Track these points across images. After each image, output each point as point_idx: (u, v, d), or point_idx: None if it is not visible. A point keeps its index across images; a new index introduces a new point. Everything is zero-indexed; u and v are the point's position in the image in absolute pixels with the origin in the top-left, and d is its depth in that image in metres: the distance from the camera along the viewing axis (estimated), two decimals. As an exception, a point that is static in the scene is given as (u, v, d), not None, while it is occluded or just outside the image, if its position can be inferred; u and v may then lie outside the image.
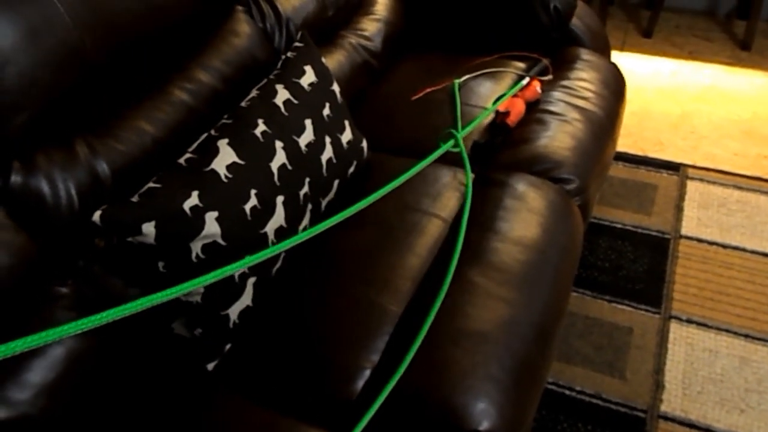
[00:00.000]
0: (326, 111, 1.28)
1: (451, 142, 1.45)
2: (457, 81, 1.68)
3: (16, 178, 0.96)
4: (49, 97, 1.02)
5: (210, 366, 1.08)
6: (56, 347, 0.96)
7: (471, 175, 1.40)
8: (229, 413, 1.02)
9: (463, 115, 1.58)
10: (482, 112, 1.57)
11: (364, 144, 1.41)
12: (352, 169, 1.36)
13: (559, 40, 1.85)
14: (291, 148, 1.17)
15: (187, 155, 1.06)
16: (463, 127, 1.52)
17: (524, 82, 1.65)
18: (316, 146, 1.23)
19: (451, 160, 1.46)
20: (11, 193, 0.96)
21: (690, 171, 2.13)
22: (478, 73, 1.72)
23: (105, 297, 1.04)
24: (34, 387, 0.92)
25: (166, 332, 1.11)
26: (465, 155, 1.44)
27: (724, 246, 1.85)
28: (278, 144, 1.14)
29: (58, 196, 1.00)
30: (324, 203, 1.28)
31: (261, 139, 1.12)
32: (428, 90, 1.67)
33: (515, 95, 1.61)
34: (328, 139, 1.26)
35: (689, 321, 1.63)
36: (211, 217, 1.01)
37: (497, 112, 1.57)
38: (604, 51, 1.94)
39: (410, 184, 1.37)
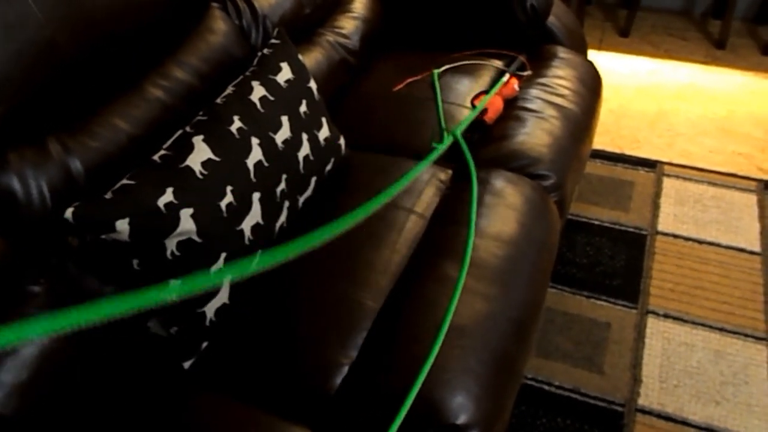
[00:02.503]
0: (303, 108, 1.27)
1: (449, 140, 1.45)
2: (436, 71, 1.69)
3: (-14, 176, 0.95)
4: (21, 94, 1.01)
5: (186, 364, 1.07)
6: (29, 347, 0.94)
7: (474, 170, 1.39)
8: (206, 411, 1.01)
9: (444, 112, 1.58)
10: (472, 111, 1.57)
11: (342, 141, 1.41)
12: (329, 167, 1.36)
13: (536, 37, 1.86)
14: (267, 145, 1.16)
15: (162, 152, 1.06)
16: (453, 126, 1.52)
17: (505, 78, 1.66)
18: (293, 143, 1.22)
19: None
20: (-18, 190, 0.94)
21: (666, 168, 2.15)
22: (457, 64, 1.73)
23: (79, 295, 1.03)
24: (6, 387, 0.90)
25: (142, 331, 1.10)
26: (466, 150, 1.43)
27: (700, 241, 1.87)
28: (254, 140, 1.14)
29: (30, 194, 0.99)
30: (301, 200, 1.28)
31: (237, 136, 1.12)
32: (410, 80, 1.68)
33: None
34: (305, 136, 1.26)
35: (666, 316, 1.65)
36: (186, 213, 1.00)
37: (475, 109, 1.57)
38: (581, 49, 1.95)
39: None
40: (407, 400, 0.94)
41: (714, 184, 2.08)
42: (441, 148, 1.42)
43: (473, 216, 1.25)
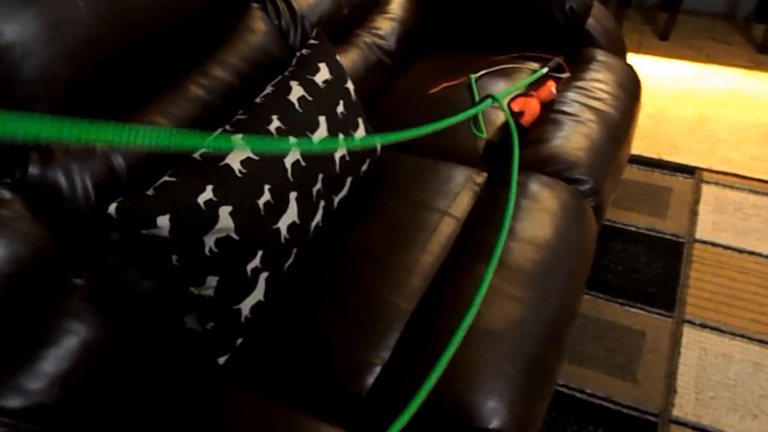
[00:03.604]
0: (340, 108, 1.28)
1: (490, 101, 1.45)
2: (473, 76, 1.68)
3: (33, 170, 0.97)
4: (67, 90, 1.03)
5: (221, 360, 1.08)
6: (70, 338, 0.97)
7: (516, 141, 1.40)
8: (239, 407, 1.02)
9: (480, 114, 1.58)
10: (512, 87, 1.58)
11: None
12: (365, 167, 1.36)
13: (574, 40, 1.84)
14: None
15: (202, 150, 1.07)
16: (500, 96, 1.53)
17: (543, 71, 1.65)
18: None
19: (465, 159, 1.46)
20: (29, 184, 0.97)
21: (705, 174, 2.11)
22: (494, 69, 1.72)
23: (119, 289, 1.05)
24: (48, 377, 0.92)
25: (179, 326, 1.11)
26: (509, 115, 1.43)
27: (739, 250, 1.83)
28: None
29: (75, 189, 1.01)
30: (337, 200, 1.28)
31: (275, 135, 1.13)
32: (445, 84, 1.67)
33: (530, 95, 1.60)
34: (341, 136, 1.27)
35: (703, 325, 1.62)
36: (224, 211, 1.01)
37: (511, 112, 1.56)
38: (619, 52, 1.92)
39: (423, 183, 1.37)
40: (417, 397, 0.93)
41: (755, 192, 2.03)
42: (484, 105, 1.43)
43: (513, 189, 1.25)
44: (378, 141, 1.09)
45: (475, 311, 1.05)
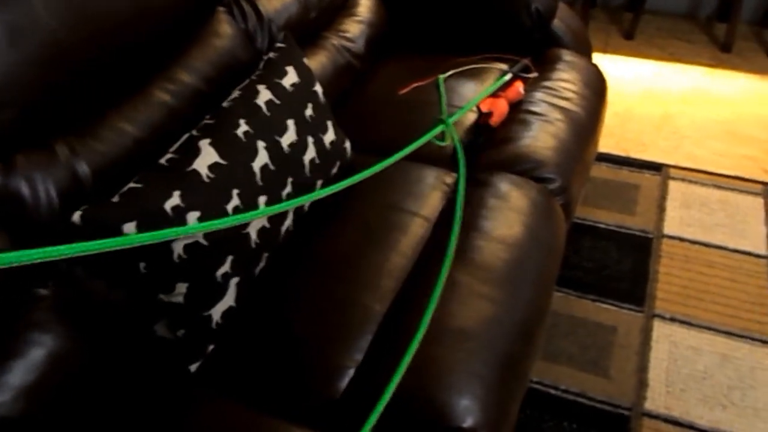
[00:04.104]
0: (309, 111, 1.28)
1: (441, 126, 1.46)
2: (441, 77, 1.69)
3: (-6, 179, 0.95)
4: (29, 97, 1.01)
5: (193, 367, 1.07)
6: (37, 349, 0.95)
7: (463, 164, 1.40)
8: (212, 414, 1.01)
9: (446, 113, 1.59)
10: (468, 101, 1.58)
11: (348, 144, 1.42)
12: (335, 170, 1.36)
13: (540, 41, 1.86)
14: (273, 149, 1.16)
15: (169, 155, 1.06)
16: (450, 116, 1.53)
17: (507, 77, 1.66)
18: (299, 146, 1.23)
19: (434, 160, 1.47)
20: (-10, 194, 0.95)
21: (672, 171, 2.15)
22: (463, 69, 1.73)
23: (86, 298, 1.03)
24: (14, 389, 0.91)
25: (149, 334, 1.10)
26: (457, 139, 1.44)
27: (706, 245, 1.87)
28: (260, 144, 1.14)
29: (38, 197, 0.99)
30: (307, 204, 1.28)
31: (243, 139, 1.12)
32: (415, 84, 1.68)
33: (498, 96, 1.62)
34: (310, 140, 1.26)
35: (672, 319, 1.65)
36: (192, 217, 1.00)
37: (480, 113, 1.57)
38: (585, 52, 1.95)
39: (393, 184, 1.37)
40: (383, 398, 0.94)
41: (720, 187, 2.08)
42: (436, 130, 1.44)
43: (459, 202, 1.26)
44: (306, 200, 1.10)
45: (433, 308, 1.06)
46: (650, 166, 2.17)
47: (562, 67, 1.77)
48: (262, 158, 1.14)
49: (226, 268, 1.06)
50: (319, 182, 1.30)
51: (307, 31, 1.66)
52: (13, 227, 0.97)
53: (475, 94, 1.66)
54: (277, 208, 1.03)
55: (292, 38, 1.35)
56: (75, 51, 1.07)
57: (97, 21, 1.11)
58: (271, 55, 1.29)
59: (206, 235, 1.02)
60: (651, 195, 2.05)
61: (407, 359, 0.99)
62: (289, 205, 1.05)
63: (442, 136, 1.49)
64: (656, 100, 2.55)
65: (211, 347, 1.09)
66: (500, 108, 1.58)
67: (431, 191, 1.38)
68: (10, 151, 0.99)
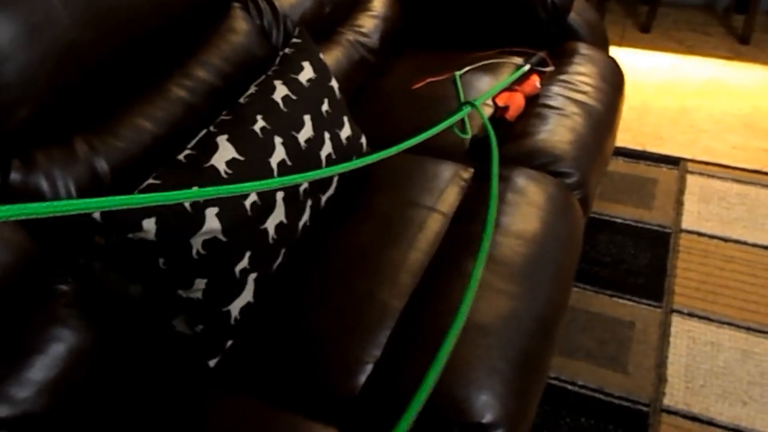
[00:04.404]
0: (325, 107, 1.28)
1: (467, 109, 1.44)
2: (458, 73, 1.68)
3: (15, 176, 0.96)
4: (48, 94, 1.02)
5: (212, 363, 1.08)
6: (57, 345, 0.95)
7: (495, 141, 1.38)
8: (231, 410, 1.01)
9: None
10: (493, 108, 1.57)
11: (363, 140, 1.41)
12: (351, 165, 1.36)
13: (557, 34, 1.84)
14: (290, 144, 1.16)
15: (187, 152, 1.06)
16: (477, 99, 1.52)
17: (525, 68, 1.65)
18: (315, 142, 1.23)
19: (451, 155, 1.46)
20: (11, 190, 0.95)
21: (690, 165, 2.13)
22: (478, 65, 1.72)
23: (106, 294, 1.04)
24: (36, 384, 0.91)
25: (168, 330, 1.10)
26: (486, 120, 1.42)
27: (725, 239, 1.85)
28: (277, 140, 1.14)
29: (58, 194, 1.00)
30: (324, 199, 1.28)
31: (260, 135, 1.12)
32: (429, 80, 1.67)
33: (514, 90, 1.61)
34: (327, 135, 1.26)
35: (691, 314, 1.63)
36: (211, 212, 1.00)
37: (496, 107, 1.56)
38: (602, 45, 1.93)
39: (410, 179, 1.36)
40: (419, 395, 0.93)
41: (739, 181, 2.05)
42: (463, 113, 1.41)
43: (494, 197, 1.23)
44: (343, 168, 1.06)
45: (467, 309, 1.05)
46: (668, 160, 2.15)
47: (578, 61, 1.76)
48: (279, 154, 1.14)
49: (244, 263, 1.06)
50: (336, 178, 1.30)
51: (323, 26, 1.66)
52: (34, 224, 0.97)
53: (491, 88, 1.65)
54: (320, 173, 1.00)
55: (307, 34, 1.35)
56: (92, 48, 1.08)
57: (113, 17, 1.11)
58: (287, 50, 1.29)
59: (224, 231, 1.02)
60: (669, 189, 2.03)
61: (442, 359, 0.97)
62: (333, 171, 1.03)
63: (462, 127, 1.47)
64: (673, 93, 2.52)
65: (229, 343, 1.09)
66: (516, 102, 1.57)
67: (448, 186, 1.37)
68: (29, 148, 1.00)
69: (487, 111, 1.59)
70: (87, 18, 1.06)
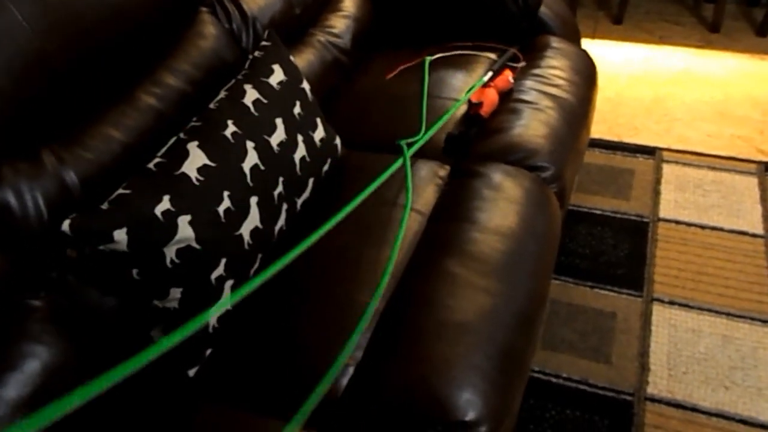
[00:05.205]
0: (297, 109, 1.27)
1: (400, 161, 1.39)
2: (428, 58, 1.68)
3: (-20, 191, 0.94)
4: (13, 106, 1.00)
5: (191, 372, 1.06)
6: (31, 361, 0.94)
7: (411, 197, 1.33)
8: (212, 419, 1.00)
9: (435, 108, 1.58)
10: (452, 105, 1.56)
11: (338, 141, 1.40)
12: (326, 167, 1.35)
13: (528, 29, 1.85)
14: (263, 148, 1.15)
15: (157, 160, 1.05)
16: (427, 129, 1.49)
17: (486, 78, 1.64)
18: (289, 145, 1.22)
19: (428, 154, 1.46)
20: (-24, 206, 0.93)
21: (665, 154, 2.14)
22: (451, 54, 1.72)
23: (80, 307, 1.02)
24: (9, 402, 0.89)
25: (145, 341, 1.09)
26: (409, 172, 1.37)
27: (702, 227, 1.86)
28: (249, 144, 1.13)
29: (26, 208, 0.98)
30: (299, 202, 1.27)
31: (231, 140, 1.11)
32: (402, 67, 1.67)
33: (487, 85, 1.61)
34: (300, 138, 1.25)
35: (671, 302, 1.64)
36: (183, 220, 0.99)
37: (470, 104, 1.56)
38: (574, 38, 1.94)
39: (387, 179, 1.36)
40: (325, 379, 0.92)
41: (714, 168, 2.07)
42: (394, 167, 1.36)
43: (398, 241, 1.23)
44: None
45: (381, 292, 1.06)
46: (643, 150, 2.17)
47: (551, 54, 1.76)
48: (251, 158, 1.12)
49: (220, 271, 1.05)
50: (311, 180, 1.29)
51: (293, 28, 1.65)
52: (3, 239, 0.96)
53: (463, 86, 1.65)
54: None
55: (276, 36, 1.33)
56: (56, 57, 1.06)
57: (76, 24, 1.10)
58: (256, 53, 1.28)
59: (198, 239, 1.01)
60: (645, 179, 2.05)
61: (353, 340, 0.95)
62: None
63: (404, 160, 1.40)
64: (647, 83, 2.54)
65: (209, 351, 1.08)
66: (490, 98, 1.57)
67: (425, 185, 1.37)
68: (-5, 163, 0.98)
69: (462, 108, 1.59)
70: (50, 26, 1.05)
